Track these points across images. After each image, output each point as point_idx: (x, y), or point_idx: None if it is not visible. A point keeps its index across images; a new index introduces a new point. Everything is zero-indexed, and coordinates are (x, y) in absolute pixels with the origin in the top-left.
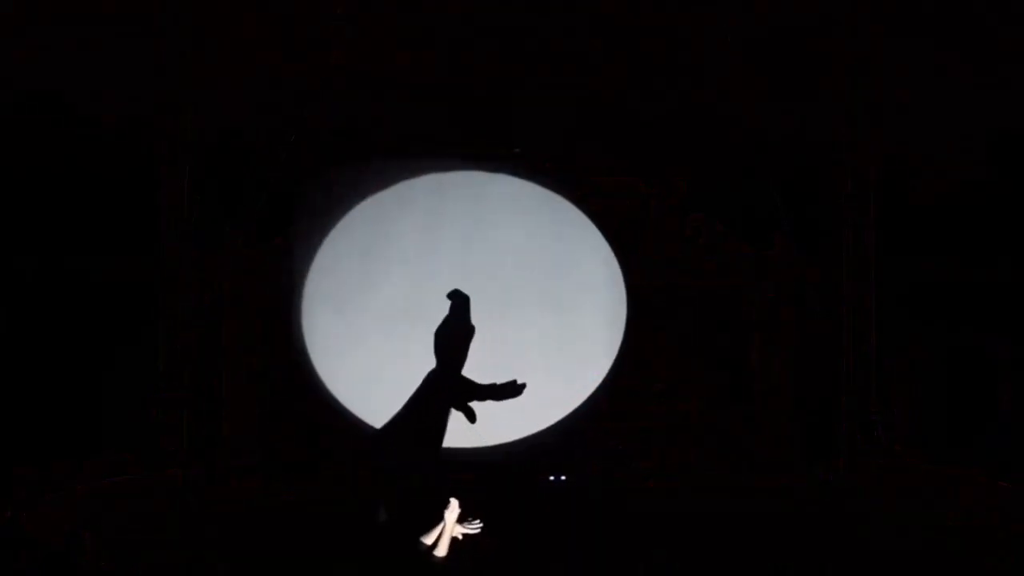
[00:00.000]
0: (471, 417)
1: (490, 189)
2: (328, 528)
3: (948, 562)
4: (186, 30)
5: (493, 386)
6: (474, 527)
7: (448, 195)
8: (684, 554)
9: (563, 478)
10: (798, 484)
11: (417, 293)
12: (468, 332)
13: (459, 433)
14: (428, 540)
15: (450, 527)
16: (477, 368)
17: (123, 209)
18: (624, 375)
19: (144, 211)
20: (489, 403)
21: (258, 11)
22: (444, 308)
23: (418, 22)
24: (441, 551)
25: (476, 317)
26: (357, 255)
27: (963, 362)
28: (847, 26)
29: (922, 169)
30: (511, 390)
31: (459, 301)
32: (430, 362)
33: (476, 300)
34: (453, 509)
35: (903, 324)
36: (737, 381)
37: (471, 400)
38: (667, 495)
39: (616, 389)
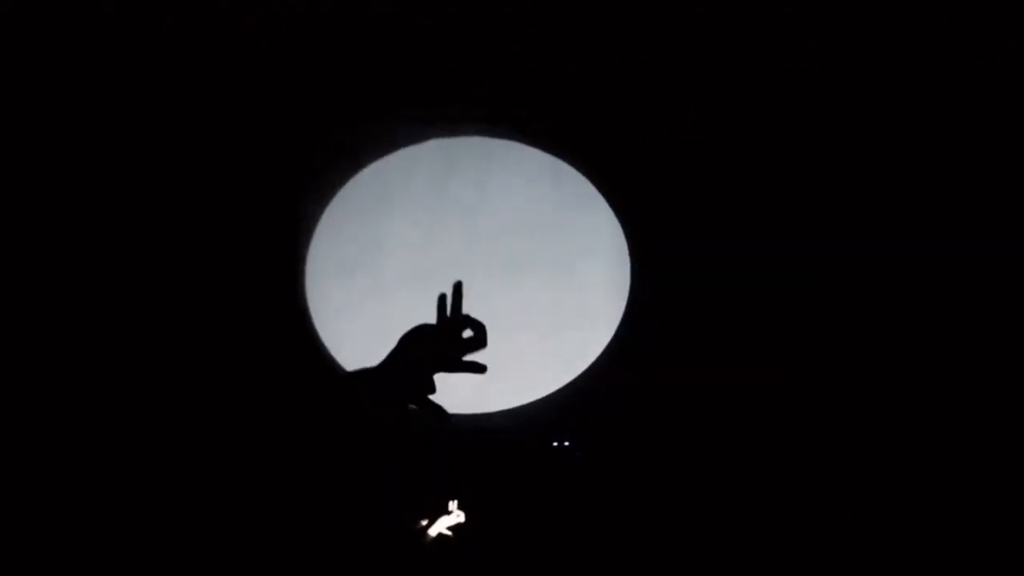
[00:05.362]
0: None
1: (497, 154)
2: (327, 527)
3: (949, 562)
4: (185, 25)
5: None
6: (456, 518)
7: (454, 160)
8: (684, 553)
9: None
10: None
11: (422, 258)
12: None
13: (450, 399)
14: (426, 528)
15: (442, 524)
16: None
17: None
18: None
19: None
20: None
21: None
22: (450, 271)
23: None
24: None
25: (481, 284)
26: (359, 220)
27: None
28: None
29: None
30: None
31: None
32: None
33: (480, 266)
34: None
35: None
36: None
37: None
38: (664, 491)
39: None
